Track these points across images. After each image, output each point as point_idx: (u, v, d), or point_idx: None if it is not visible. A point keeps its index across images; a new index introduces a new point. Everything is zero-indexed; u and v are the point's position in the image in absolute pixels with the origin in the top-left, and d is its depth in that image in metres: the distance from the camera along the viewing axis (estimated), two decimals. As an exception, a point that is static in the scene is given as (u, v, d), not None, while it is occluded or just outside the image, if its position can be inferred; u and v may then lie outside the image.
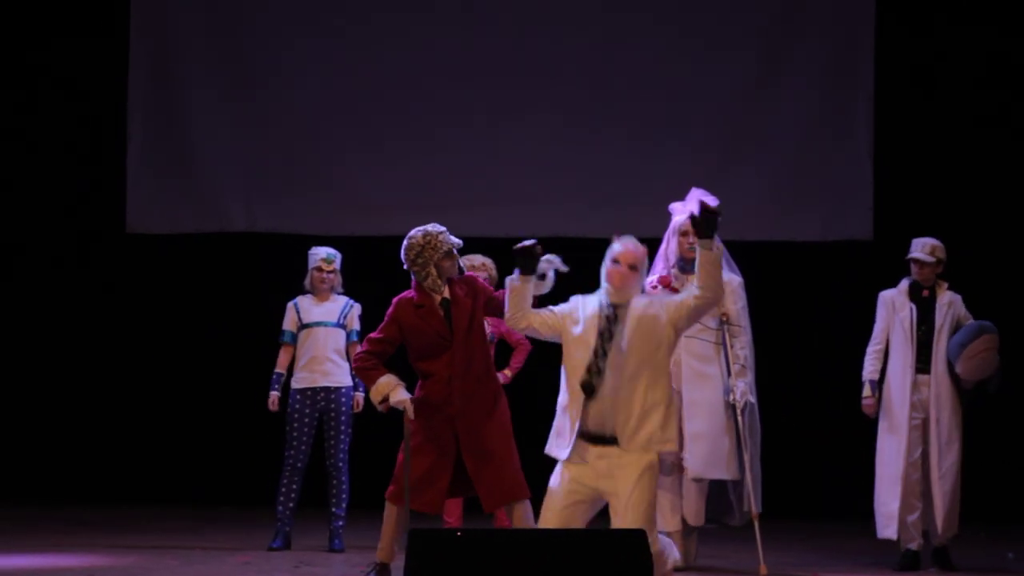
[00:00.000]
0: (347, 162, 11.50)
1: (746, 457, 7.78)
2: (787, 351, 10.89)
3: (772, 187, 11.29)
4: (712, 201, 7.88)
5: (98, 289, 11.79)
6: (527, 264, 6.37)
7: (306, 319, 8.78)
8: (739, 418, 7.77)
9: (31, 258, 11.83)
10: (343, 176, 11.50)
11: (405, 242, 7.03)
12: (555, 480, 6.26)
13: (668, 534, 7.73)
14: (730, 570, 8.01)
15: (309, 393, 8.72)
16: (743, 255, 8.24)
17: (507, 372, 8.56)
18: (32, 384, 11.71)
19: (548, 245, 10.07)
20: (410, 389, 7.02)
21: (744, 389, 7.78)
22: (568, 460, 6.22)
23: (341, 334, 8.78)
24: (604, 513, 6.31)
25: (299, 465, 8.72)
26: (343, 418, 8.73)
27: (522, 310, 6.37)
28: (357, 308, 8.86)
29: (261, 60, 11.59)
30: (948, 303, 8.26)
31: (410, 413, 6.89)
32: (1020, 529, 10.20)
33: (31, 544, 8.69)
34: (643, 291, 6.44)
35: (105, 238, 11.76)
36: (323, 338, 8.74)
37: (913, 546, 8.19)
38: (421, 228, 7.02)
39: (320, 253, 8.82)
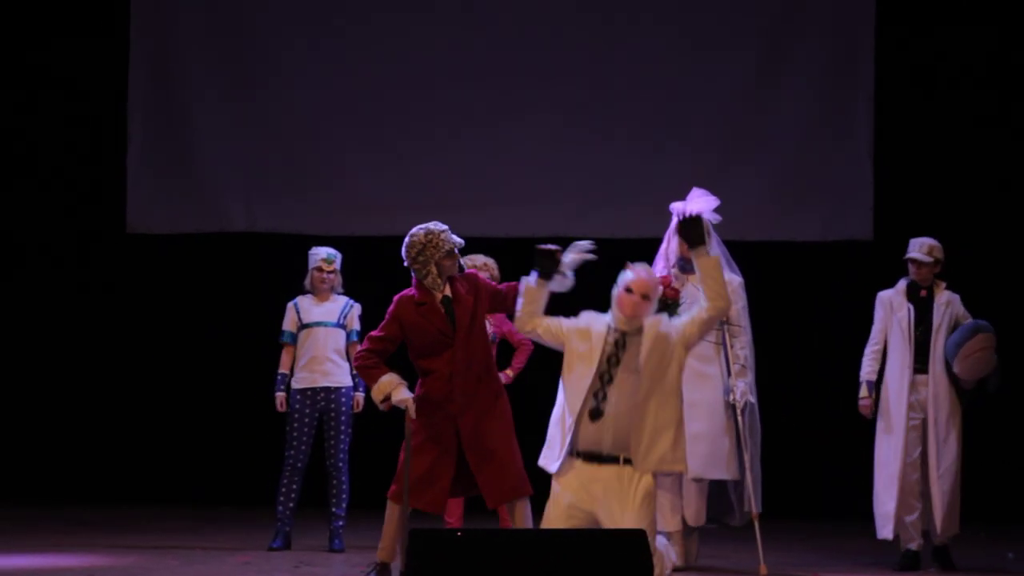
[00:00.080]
0: (347, 162, 11.50)
1: (746, 457, 7.78)
2: (787, 351, 10.89)
3: (772, 187, 11.28)
4: (712, 202, 7.91)
5: (98, 289, 11.78)
6: (547, 267, 6.38)
7: (306, 319, 8.78)
8: (739, 418, 7.77)
9: (31, 258, 11.83)
10: (343, 176, 11.49)
11: (407, 239, 7.02)
12: (552, 505, 6.26)
13: (668, 534, 7.74)
14: (730, 570, 8.01)
15: (309, 393, 8.72)
16: (743, 255, 8.24)
17: (509, 372, 8.55)
18: (32, 384, 11.71)
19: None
20: (410, 388, 7.02)
21: (744, 389, 7.79)
22: (560, 476, 6.23)
23: (341, 334, 8.78)
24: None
25: (299, 465, 8.72)
26: (343, 418, 8.73)
27: (533, 313, 6.38)
28: (357, 308, 8.86)
29: (261, 60, 11.59)
30: (946, 303, 8.25)
31: (412, 412, 6.89)
32: (1020, 529, 10.20)
33: (31, 544, 8.69)
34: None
35: (105, 238, 11.75)
36: (323, 338, 8.74)
37: (913, 546, 8.19)
38: (423, 226, 7.02)
39: (320, 253, 8.82)
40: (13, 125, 11.80)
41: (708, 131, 11.31)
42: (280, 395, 8.75)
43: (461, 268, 7.12)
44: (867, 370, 8.35)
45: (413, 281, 7.05)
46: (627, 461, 6.17)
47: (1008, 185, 11.30)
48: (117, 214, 11.64)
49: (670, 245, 7.92)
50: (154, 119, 11.63)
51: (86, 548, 8.57)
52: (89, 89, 11.76)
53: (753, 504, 7.75)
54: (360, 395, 8.73)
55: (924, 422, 8.20)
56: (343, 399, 8.73)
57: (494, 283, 7.29)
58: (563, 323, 6.36)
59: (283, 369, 8.80)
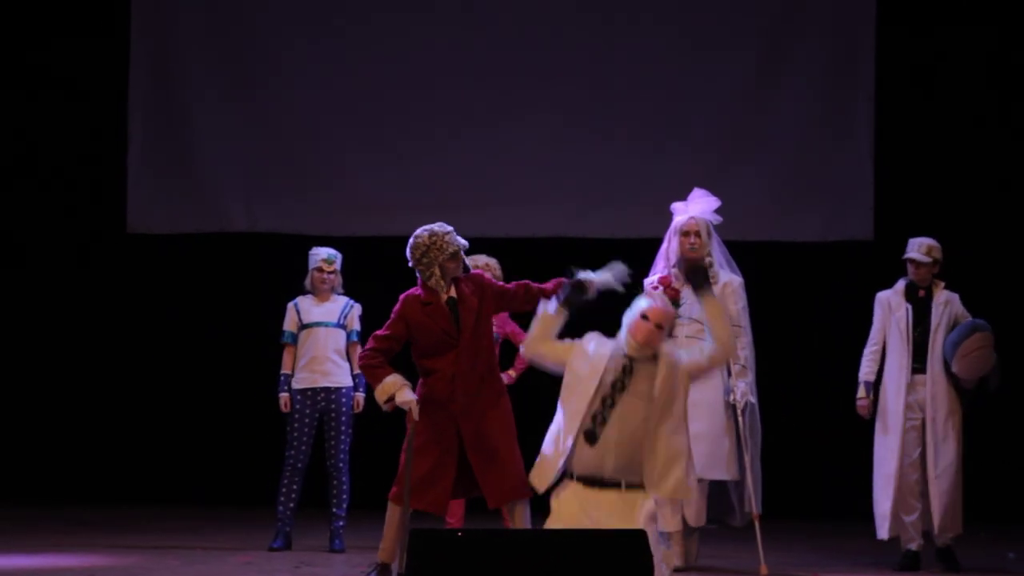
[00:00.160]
0: (347, 162, 11.50)
1: (747, 457, 7.78)
2: (787, 351, 10.89)
3: (772, 187, 11.29)
4: (713, 202, 7.91)
5: (98, 289, 11.78)
6: (573, 298, 6.41)
7: (306, 319, 8.77)
8: (739, 418, 7.77)
9: (31, 258, 11.83)
10: (343, 176, 11.50)
11: (411, 240, 6.99)
12: (553, 524, 6.27)
13: (669, 535, 7.74)
14: (731, 570, 8.01)
15: (309, 393, 8.72)
16: (743, 255, 8.24)
17: (511, 373, 8.54)
18: (33, 384, 11.71)
19: (548, 245, 10.07)
20: (411, 387, 7.01)
21: (744, 389, 7.78)
22: (558, 497, 6.28)
23: (341, 334, 8.78)
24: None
25: (299, 465, 8.72)
26: (343, 418, 8.73)
27: (545, 338, 6.46)
28: (357, 308, 8.85)
29: (261, 60, 11.60)
30: (945, 302, 8.25)
31: (415, 415, 6.87)
32: (1020, 529, 10.20)
33: (31, 544, 8.68)
34: (643, 291, 6.48)
35: (105, 238, 11.76)
36: (323, 338, 8.73)
37: (913, 546, 8.18)
38: (427, 227, 6.99)
39: (321, 253, 8.81)
40: (13, 125, 11.80)
41: (708, 131, 11.32)
42: (284, 396, 8.75)
43: (467, 269, 7.11)
44: (865, 371, 8.35)
45: (419, 281, 7.04)
46: (629, 486, 6.20)
47: (1008, 185, 11.30)
48: (117, 214, 11.64)
49: (670, 245, 7.91)
50: (154, 119, 11.64)
51: (86, 548, 8.56)
52: (89, 89, 11.77)
53: (754, 504, 7.75)
54: (360, 395, 8.73)
55: (923, 422, 8.20)
56: (343, 399, 8.73)
57: (500, 283, 7.27)
58: (567, 344, 6.40)
59: (285, 370, 8.79)
